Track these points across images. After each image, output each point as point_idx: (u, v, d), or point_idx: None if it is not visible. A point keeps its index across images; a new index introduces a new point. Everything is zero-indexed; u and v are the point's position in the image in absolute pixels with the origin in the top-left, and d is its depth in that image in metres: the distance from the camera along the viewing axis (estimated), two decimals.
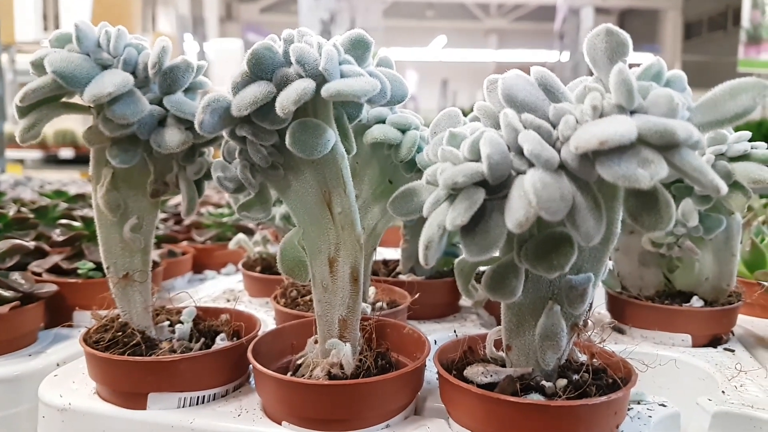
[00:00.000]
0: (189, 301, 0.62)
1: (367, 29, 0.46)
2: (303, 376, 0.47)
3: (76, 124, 4.18)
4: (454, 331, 0.65)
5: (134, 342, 0.52)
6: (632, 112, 0.35)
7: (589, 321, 0.43)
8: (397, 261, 0.82)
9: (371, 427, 0.45)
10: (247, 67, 0.41)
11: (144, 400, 0.49)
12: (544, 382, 0.42)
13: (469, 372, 0.44)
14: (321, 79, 0.40)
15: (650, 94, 0.35)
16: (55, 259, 0.76)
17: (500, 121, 0.37)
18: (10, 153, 3.70)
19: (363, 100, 0.42)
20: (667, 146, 0.32)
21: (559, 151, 0.35)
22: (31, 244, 0.76)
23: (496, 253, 0.38)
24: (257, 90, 0.40)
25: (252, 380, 0.54)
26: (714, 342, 0.66)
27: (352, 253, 0.46)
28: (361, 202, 0.62)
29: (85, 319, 0.68)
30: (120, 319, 0.54)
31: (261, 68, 0.41)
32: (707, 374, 0.59)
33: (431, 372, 0.49)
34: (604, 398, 0.40)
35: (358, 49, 0.44)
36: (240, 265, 0.90)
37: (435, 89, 7.58)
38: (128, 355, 0.50)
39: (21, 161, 4.20)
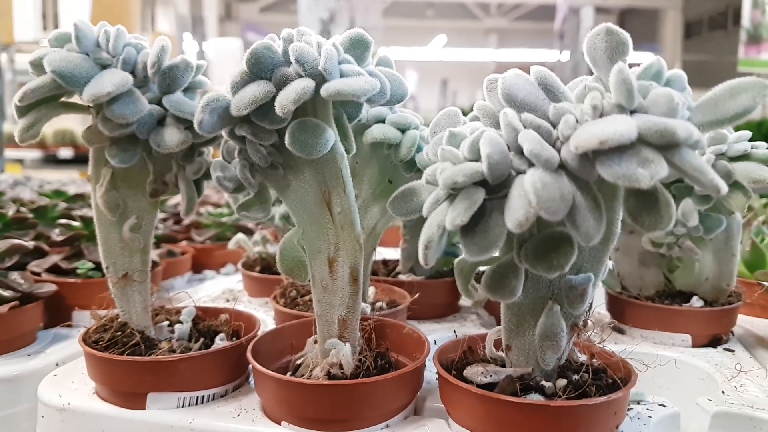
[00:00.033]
0: (188, 301, 0.62)
1: (366, 28, 0.46)
2: (302, 376, 0.47)
3: (75, 123, 4.17)
4: (454, 331, 0.65)
5: (133, 342, 0.52)
6: (632, 112, 0.35)
7: (588, 321, 0.43)
8: (397, 261, 0.82)
9: (371, 427, 0.45)
10: (246, 67, 0.41)
11: (143, 400, 0.49)
12: (543, 382, 0.42)
13: (468, 372, 0.44)
14: (320, 79, 0.40)
15: (650, 93, 0.35)
16: (54, 258, 0.76)
17: (500, 120, 0.37)
18: (9, 152, 3.70)
19: (362, 100, 0.42)
20: (667, 146, 0.32)
21: (559, 151, 0.35)
22: (31, 244, 0.76)
23: (496, 253, 0.38)
24: (256, 89, 0.40)
25: (251, 380, 0.54)
26: (714, 342, 0.66)
27: (352, 252, 0.46)
28: (361, 201, 0.62)
29: (84, 319, 0.68)
30: (119, 319, 0.54)
31: (260, 68, 0.41)
32: (707, 374, 0.59)
33: (431, 372, 0.49)
34: (603, 398, 0.40)
35: (358, 48, 0.44)
36: (239, 265, 0.90)
37: (435, 89, 7.57)
38: (127, 354, 0.50)
39: (20, 161, 4.20)
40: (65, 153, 4.19)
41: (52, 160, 4.30)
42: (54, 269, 0.75)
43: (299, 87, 0.39)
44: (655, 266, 0.71)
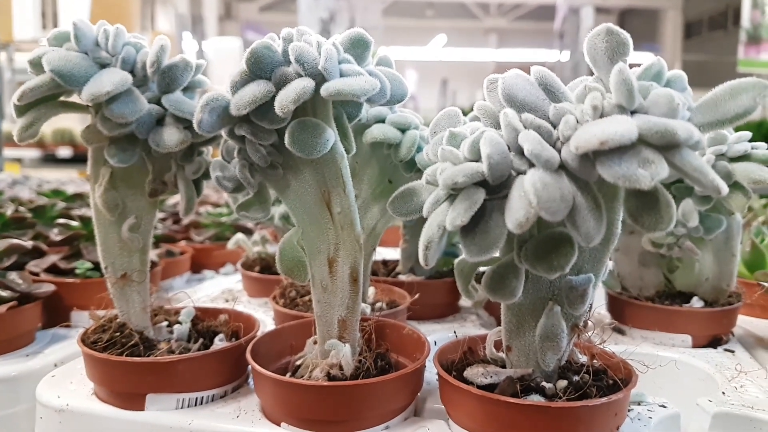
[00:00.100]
0: (187, 301, 0.61)
1: (366, 28, 0.46)
2: (302, 377, 0.47)
3: (74, 123, 4.17)
4: (454, 332, 0.64)
5: (132, 342, 0.51)
6: (633, 112, 0.35)
7: (589, 322, 0.42)
8: (397, 261, 0.82)
9: (371, 429, 0.45)
10: (246, 66, 0.41)
11: (142, 400, 0.48)
12: (544, 383, 0.42)
13: (469, 373, 0.44)
14: (320, 79, 0.40)
15: (651, 94, 0.35)
16: (52, 258, 0.76)
17: (500, 120, 0.37)
18: (8, 152, 3.69)
19: (362, 100, 0.42)
20: (667, 146, 0.32)
21: (559, 151, 0.35)
22: (29, 244, 0.76)
23: (496, 254, 0.38)
24: (256, 89, 0.40)
25: (251, 381, 0.54)
26: (714, 343, 0.66)
27: (352, 253, 0.46)
28: (361, 201, 0.61)
29: (83, 320, 0.68)
30: (118, 320, 0.54)
31: (260, 67, 0.41)
32: (707, 375, 0.59)
33: (431, 373, 0.49)
34: (604, 399, 0.40)
35: (358, 48, 0.44)
36: (239, 265, 0.90)
37: (434, 88, 7.57)
38: (126, 355, 0.50)
39: (19, 160, 4.19)
40: (64, 152, 4.19)
41: (50, 160, 4.30)
42: (52, 269, 0.74)
43: (299, 87, 0.39)
44: (655, 267, 0.71)
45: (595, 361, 0.45)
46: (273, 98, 0.40)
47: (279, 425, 0.46)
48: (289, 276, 0.50)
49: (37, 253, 0.77)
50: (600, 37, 0.37)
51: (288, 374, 0.49)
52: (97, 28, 0.47)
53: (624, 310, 0.69)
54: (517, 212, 0.33)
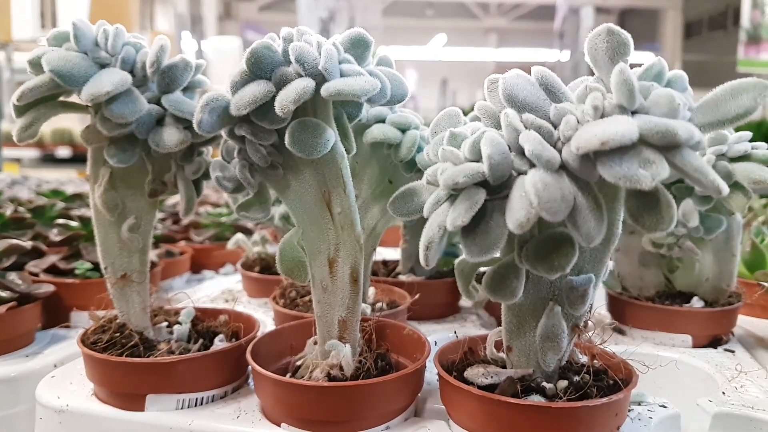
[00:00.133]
0: (187, 302, 0.61)
1: (366, 28, 0.45)
2: (302, 377, 0.47)
3: (73, 122, 4.17)
4: (455, 332, 0.64)
5: (132, 343, 0.51)
6: (633, 113, 0.35)
7: (589, 322, 0.42)
8: (397, 261, 0.82)
9: (371, 429, 0.45)
10: (246, 66, 0.41)
11: (142, 401, 0.48)
12: (544, 384, 0.42)
13: (469, 373, 0.44)
14: (320, 79, 0.40)
15: (651, 94, 0.35)
16: (52, 259, 0.76)
17: (501, 121, 0.37)
18: (7, 152, 3.69)
19: (363, 100, 0.41)
20: (668, 147, 0.32)
21: (560, 152, 0.35)
22: (28, 244, 0.76)
23: (497, 254, 0.37)
24: (256, 89, 0.40)
25: (251, 382, 0.54)
26: (714, 343, 0.66)
27: (352, 253, 0.46)
28: (361, 202, 0.61)
29: (82, 320, 0.68)
30: (118, 320, 0.54)
31: (260, 67, 0.41)
32: (707, 375, 0.58)
33: (431, 373, 0.49)
34: (605, 400, 0.40)
35: (358, 48, 0.44)
36: (239, 266, 0.89)
37: (434, 88, 7.57)
38: (126, 356, 0.50)
39: (18, 160, 4.19)
40: (63, 152, 4.19)
41: (49, 160, 4.30)
42: (52, 269, 0.74)
43: (299, 87, 0.39)
44: (655, 267, 0.71)
45: (595, 361, 0.45)
46: (273, 98, 0.40)
47: (279, 426, 0.46)
48: (290, 276, 0.50)
49: (36, 254, 0.77)
50: (601, 38, 0.37)
51: (288, 375, 0.49)
52: (96, 28, 0.47)
53: (624, 311, 0.69)
54: (517, 212, 0.33)
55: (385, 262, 0.85)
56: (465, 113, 0.48)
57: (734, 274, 0.68)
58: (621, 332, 0.70)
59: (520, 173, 0.35)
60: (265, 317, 0.73)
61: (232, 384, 0.52)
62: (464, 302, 0.80)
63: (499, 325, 0.44)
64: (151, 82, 0.49)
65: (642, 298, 0.70)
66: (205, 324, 0.58)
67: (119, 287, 0.53)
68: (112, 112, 0.45)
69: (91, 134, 0.49)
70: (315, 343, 0.50)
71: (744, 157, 0.59)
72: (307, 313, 0.61)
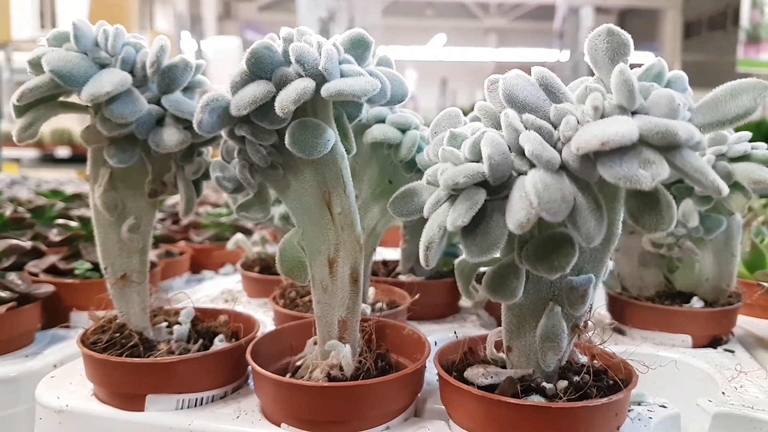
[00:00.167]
0: (187, 302, 0.61)
1: (366, 28, 0.45)
2: (302, 377, 0.47)
3: (73, 122, 4.16)
4: (454, 332, 0.64)
5: (132, 343, 0.51)
6: (633, 113, 0.35)
7: (589, 322, 0.42)
8: (397, 261, 0.82)
9: (371, 429, 0.45)
10: (246, 67, 0.41)
11: (142, 401, 0.48)
12: (544, 384, 0.42)
13: (469, 373, 0.44)
14: (321, 79, 0.40)
15: (651, 94, 0.35)
16: (52, 259, 0.76)
17: (501, 121, 0.37)
18: (7, 152, 3.69)
19: (363, 100, 0.41)
20: (668, 147, 0.32)
21: (560, 152, 0.35)
22: (28, 244, 0.76)
23: (497, 254, 0.37)
24: (256, 89, 0.40)
25: (251, 382, 0.54)
26: (714, 343, 0.66)
27: (352, 253, 0.46)
28: (361, 202, 0.61)
29: (82, 320, 0.68)
30: (118, 320, 0.54)
31: (260, 67, 0.41)
32: (707, 375, 0.59)
33: (431, 373, 0.49)
34: (604, 400, 0.40)
35: (358, 48, 0.44)
36: (238, 266, 0.89)
37: (434, 88, 7.57)
38: (126, 356, 0.50)
39: (17, 160, 4.19)
40: (63, 152, 4.18)
41: (49, 160, 4.29)
42: (52, 270, 0.74)
43: (299, 87, 0.39)
44: (655, 267, 0.71)
45: (595, 361, 0.45)
46: (273, 98, 0.40)
47: (279, 426, 0.46)
48: (289, 276, 0.50)
49: (36, 254, 0.77)
50: (601, 38, 0.37)
51: (288, 375, 0.49)
52: (96, 28, 0.47)
53: (624, 311, 0.69)
54: (518, 213, 0.33)
55: (385, 262, 0.85)
56: (465, 113, 0.48)
57: (734, 274, 0.68)
58: (621, 332, 0.70)
59: (521, 173, 0.35)
60: (264, 317, 0.73)
61: (231, 384, 0.52)
62: (464, 302, 0.80)
63: (499, 325, 0.44)
64: (151, 82, 0.49)
65: (642, 298, 0.70)
66: (204, 324, 0.58)
67: (119, 287, 0.53)
68: (112, 112, 0.45)
69: (91, 134, 0.49)
70: (315, 343, 0.50)
71: (744, 158, 0.59)
72: (307, 313, 0.61)
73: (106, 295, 0.54)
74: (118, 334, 0.52)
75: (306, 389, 0.43)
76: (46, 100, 0.48)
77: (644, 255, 0.70)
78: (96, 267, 0.73)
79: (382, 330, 0.52)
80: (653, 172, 0.31)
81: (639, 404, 0.49)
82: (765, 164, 0.58)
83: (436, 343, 0.59)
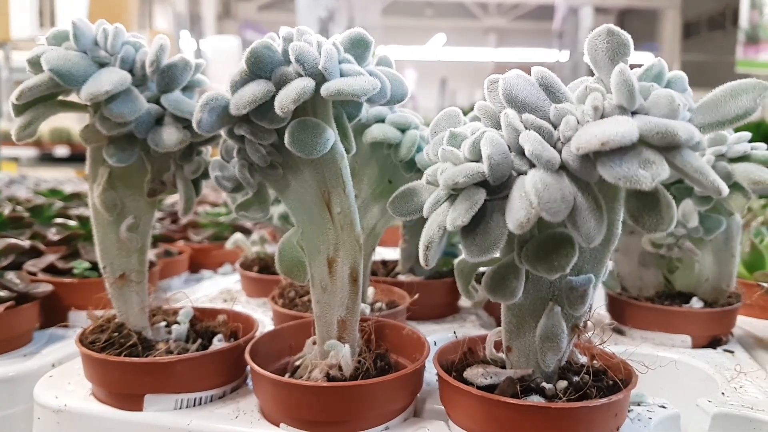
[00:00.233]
0: (186, 302, 0.61)
1: (365, 27, 0.45)
2: (301, 377, 0.47)
3: (71, 122, 4.15)
4: (454, 332, 0.64)
5: (131, 343, 0.51)
6: (633, 113, 0.35)
7: (589, 322, 0.42)
8: (396, 261, 0.82)
9: (370, 429, 0.45)
10: (246, 66, 0.40)
11: (140, 401, 0.48)
12: (544, 384, 0.42)
13: (468, 373, 0.44)
14: (320, 78, 0.40)
15: (651, 94, 0.35)
16: (50, 258, 0.76)
17: (501, 121, 0.37)
18: (5, 151, 3.68)
19: (363, 100, 0.41)
20: (668, 147, 0.32)
21: (560, 152, 0.35)
22: (27, 243, 0.76)
23: (497, 254, 0.37)
24: (256, 89, 0.40)
25: (250, 382, 0.54)
26: (713, 343, 0.66)
27: (352, 253, 0.46)
28: (361, 201, 0.61)
29: (80, 320, 0.68)
30: (116, 320, 0.54)
31: (260, 67, 0.40)
32: (707, 375, 0.59)
33: (431, 373, 0.49)
34: (604, 400, 0.40)
35: (358, 48, 0.44)
36: (237, 265, 0.89)
37: (434, 88, 7.57)
38: (124, 356, 0.50)
39: (16, 159, 4.18)
40: (61, 151, 4.18)
41: (47, 159, 4.28)
42: (50, 269, 0.74)
43: (299, 86, 0.39)
44: (654, 267, 0.71)
45: (595, 361, 0.45)
46: (273, 98, 0.40)
47: (278, 426, 0.46)
48: (289, 276, 0.50)
49: (34, 253, 0.77)
50: (601, 38, 0.37)
51: (287, 375, 0.49)
52: (96, 28, 0.47)
53: (624, 311, 0.69)
54: (517, 212, 0.33)
55: (384, 262, 0.85)
56: (464, 113, 0.47)
57: (734, 275, 0.68)
58: (620, 332, 0.70)
59: (520, 173, 0.35)
60: (263, 317, 0.73)
61: (230, 384, 0.52)
62: (463, 302, 0.80)
63: (499, 325, 0.44)
64: (151, 82, 0.49)
65: (641, 299, 0.70)
66: (203, 324, 0.58)
67: (118, 287, 0.53)
68: (111, 111, 0.45)
69: (90, 133, 0.49)
70: (314, 343, 0.50)
71: (743, 158, 0.59)
72: (306, 313, 0.61)
73: (105, 294, 0.54)
74: (116, 334, 0.52)
75: (305, 389, 0.43)
76: (45, 99, 0.48)
77: (644, 255, 0.70)
78: (95, 266, 0.73)
79: (381, 330, 0.52)
80: (653, 173, 0.31)
81: (639, 404, 0.49)
82: (765, 165, 0.58)
83: (435, 343, 0.59)
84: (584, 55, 0.38)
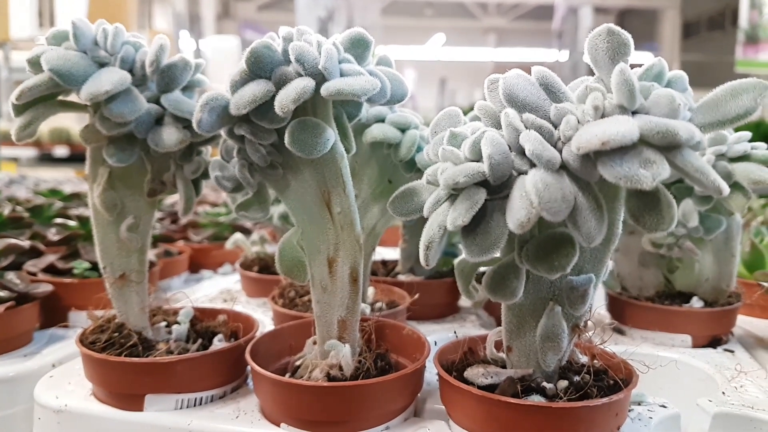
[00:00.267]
0: (186, 302, 0.61)
1: (365, 27, 0.45)
2: (302, 377, 0.47)
3: (71, 122, 4.15)
4: (454, 332, 0.64)
5: (131, 343, 0.51)
6: (634, 113, 0.35)
7: (589, 322, 0.42)
8: (396, 261, 0.82)
9: (371, 429, 0.45)
10: (246, 66, 0.40)
11: (141, 401, 0.48)
12: (545, 384, 0.42)
13: (469, 373, 0.44)
14: (320, 78, 0.40)
15: (652, 94, 0.35)
16: (50, 258, 0.75)
17: (501, 121, 0.37)
18: (5, 151, 3.67)
19: (363, 99, 0.41)
20: (669, 147, 0.32)
21: (560, 152, 0.35)
22: (26, 244, 0.76)
23: (497, 254, 0.37)
24: (256, 88, 0.40)
25: (250, 382, 0.54)
26: (714, 343, 0.66)
27: (352, 253, 0.46)
28: (360, 201, 0.61)
29: (81, 320, 0.67)
30: (116, 320, 0.54)
31: (260, 66, 0.40)
32: (707, 375, 0.59)
33: (431, 373, 0.49)
34: (605, 400, 0.40)
35: (358, 47, 0.44)
36: (237, 265, 0.89)
37: (433, 88, 7.57)
38: (125, 356, 0.50)
39: (15, 159, 4.18)
40: (61, 151, 4.17)
41: (47, 159, 4.28)
42: (50, 269, 0.74)
43: (299, 86, 0.39)
44: (654, 267, 0.71)
45: (595, 361, 0.45)
46: (273, 98, 0.40)
47: (278, 426, 0.46)
48: (289, 276, 0.50)
49: (34, 253, 0.77)
50: (601, 38, 0.37)
51: (287, 375, 0.49)
52: (96, 27, 0.47)
53: (624, 311, 0.69)
54: (518, 212, 0.33)
55: (384, 262, 0.85)
56: (464, 113, 0.47)
57: (734, 275, 0.68)
58: (621, 332, 0.70)
59: (521, 173, 0.35)
60: (263, 317, 0.73)
61: (231, 384, 0.52)
62: (464, 302, 0.80)
63: (499, 325, 0.44)
64: (151, 82, 0.49)
65: (642, 299, 0.70)
66: (203, 324, 0.58)
67: (118, 287, 0.53)
68: (111, 111, 0.45)
69: (90, 133, 0.49)
70: (314, 343, 0.50)
71: (743, 158, 0.59)
72: (306, 312, 0.61)
73: (105, 294, 0.54)
74: (116, 334, 0.52)
75: (305, 389, 0.43)
76: (45, 98, 0.48)
77: (644, 255, 0.70)
78: (95, 266, 0.73)
79: (381, 330, 0.52)
80: (654, 172, 0.31)
81: (639, 404, 0.49)
82: (765, 164, 0.58)
83: (435, 343, 0.58)
84: (584, 54, 0.38)
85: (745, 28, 4.09)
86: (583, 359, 0.45)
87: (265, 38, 0.42)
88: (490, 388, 0.42)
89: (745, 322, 0.74)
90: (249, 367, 0.48)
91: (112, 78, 0.44)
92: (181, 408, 0.49)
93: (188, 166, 0.52)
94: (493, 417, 0.40)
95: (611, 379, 0.43)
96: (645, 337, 0.67)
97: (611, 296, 0.71)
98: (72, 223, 0.91)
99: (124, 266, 0.53)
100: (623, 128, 0.31)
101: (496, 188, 0.36)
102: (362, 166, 0.62)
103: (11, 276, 0.65)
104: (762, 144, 0.60)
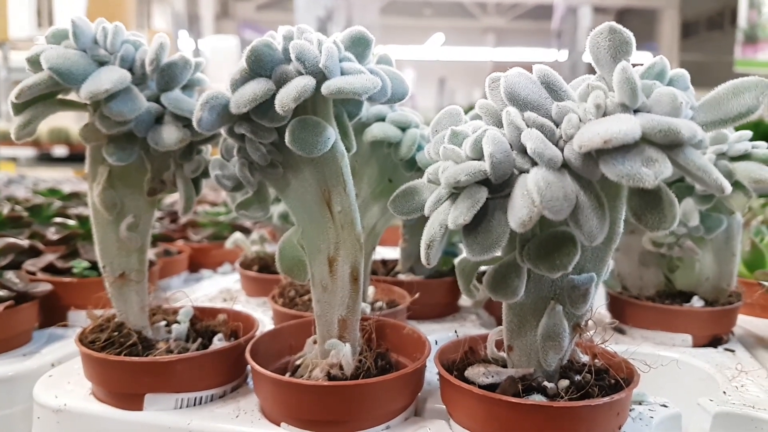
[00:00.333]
0: (185, 301, 0.61)
1: (364, 26, 0.45)
2: (302, 376, 0.47)
3: (70, 121, 4.15)
4: (455, 332, 0.64)
5: (130, 342, 0.51)
6: (636, 111, 0.34)
7: (590, 321, 0.42)
8: (396, 260, 0.82)
9: (371, 429, 0.45)
10: (246, 64, 0.40)
11: (141, 401, 0.48)
12: (546, 383, 0.42)
13: (470, 373, 0.44)
14: (321, 77, 0.40)
15: (654, 92, 0.35)
16: (49, 257, 0.75)
17: (503, 119, 0.37)
18: (3, 150, 3.67)
19: (364, 98, 0.41)
20: (671, 145, 0.32)
21: (562, 150, 0.35)
22: (26, 243, 0.75)
23: (498, 253, 0.37)
24: (256, 87, 0.40)
25: (250, 381, 0.54)
26: (714, 342, 0.66)
27: (352, 252, 0.46)
28: (361, 200, 0.61)
29: (80, 319, 0.67)
30: (116, 319, 0.54)
31: (260, 65, 0.40)
32: (708, 375, 0.58)
33: (432, 373, 0.49)
34: (606, 399, 0.40)
35: (359, 46, 0.44)
36: (237, 265, 0.89)
37: (432, 87, 7.57)
38: (124, 355, 0.50)
39: (14, 159, 4.17)
40: (59, 151, 4.17)
41: (46, 159, 4.28)
42: (49, 268, 0.74)
43: (300, 85, 0.39)
44: (655, 266, 0.71)
45: (596, 360, 0.45)
46: (273, 96, 0.40)
47: (279, 425, 0.46)
48: (289, 275, 0.50)
49: (33, 252, 0.76)
50: (603, 36, 0.37)
51: (288, 374, 0.49)
52: (95, 26, 0.47)
53: (624, 310, 0.69)
54: (520, 211, 0.33)
55: (384, 261, 0.84)
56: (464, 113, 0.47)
57: (734, 274, 0.68)
58: (621, 332, 0.70)
59: (522, 172, 0.35)
60: (263, 317, 0.73)
61: (231, 383, 0.52)
62: (464, 301, 0.80)
63: (499, 324, 0.44)
64: (150, 80, 0.49)
65: (642, 298, 0.70)
66: (203, 323, 0.58)
67: (117, 286, 0.53)
68: (111, 110, 0.45)
69: (90, 132, 0.49)
70: (314, 342, 0.49)
71: (744, 156, 0.59)
72: (306, 312, 0.61)
73: (105, 293, 0.54)
74: (116, 333, 0.52)
75: (306, 388, 0.43)
76: (44, 97, 0.47)
77: (644, 254, 0.70)
78: (94, 266, 0.72)
79: (382, 329, 0.52)
80: (656, 170, 0.31)
81: (640, 404, 0.49)
82: (765, 163, 0.58)
83: (436, 343, 0.58)
84: (584, 53, 0.38)
85: (744, 27, 4.10)
86: (584, 358, 0.45)
87: (265, 37, 0.42)
88: (491, 387, 0.42)
89: (745, 322, 0.74)
90: (249, 367, 0.48)
91: (112, 77, 0.44)
92: (180, 407, 0.49)
93: (188, 165, 0.51)
94: (494, 416, 0.40)
95: (612, 379, 0.43)
96: (645, 336, 0.67)
97: (612, 295, 0.71)
98: (71, 222, 0.91)
99: (124, 265, 0.53)
100: (625, 126, 0.31)
101: (498, 187, 0.36)
102: (362, 165, 0.61)
103: (10, 275, 0.65)
104: (762, 143, 0.59)
